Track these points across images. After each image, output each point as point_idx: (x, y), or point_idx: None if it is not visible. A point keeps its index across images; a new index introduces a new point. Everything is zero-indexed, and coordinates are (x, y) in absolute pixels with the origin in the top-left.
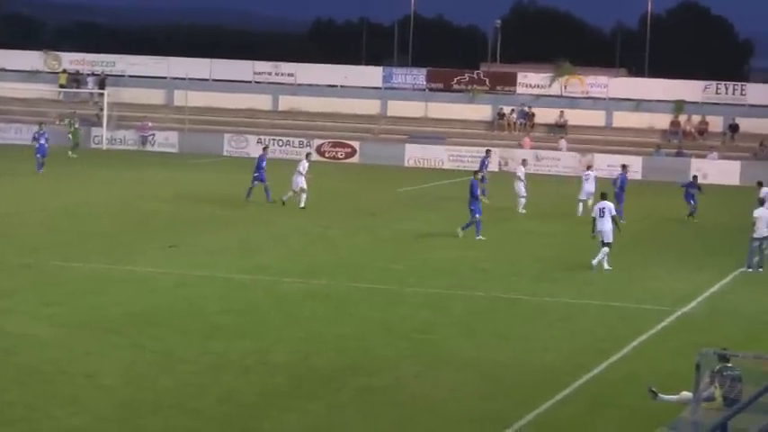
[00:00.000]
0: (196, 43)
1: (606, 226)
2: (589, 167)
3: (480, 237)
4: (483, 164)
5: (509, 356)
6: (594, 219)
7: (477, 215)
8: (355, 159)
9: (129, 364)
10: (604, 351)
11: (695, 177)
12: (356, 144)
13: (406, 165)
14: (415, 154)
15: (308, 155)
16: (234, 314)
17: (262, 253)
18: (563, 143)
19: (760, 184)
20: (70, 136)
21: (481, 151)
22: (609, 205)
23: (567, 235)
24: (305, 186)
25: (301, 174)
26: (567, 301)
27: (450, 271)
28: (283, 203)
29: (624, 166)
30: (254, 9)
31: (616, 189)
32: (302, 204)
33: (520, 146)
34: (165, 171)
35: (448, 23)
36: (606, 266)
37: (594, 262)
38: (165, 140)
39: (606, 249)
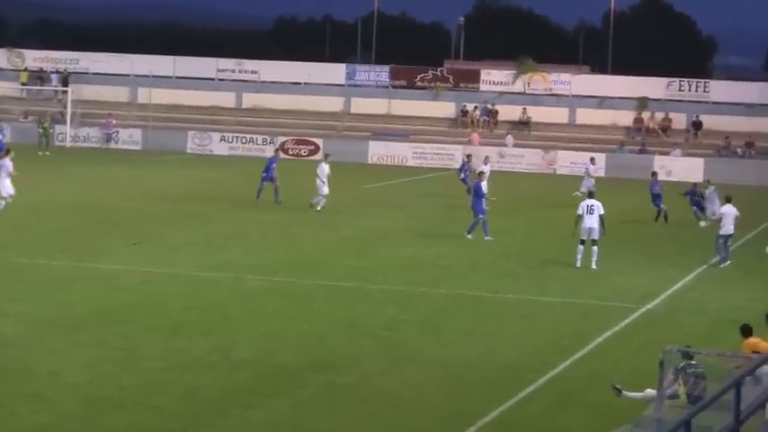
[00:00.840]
0: (159, 40)
1: (595, 223)
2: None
3: (489, 237)
4: (463, 168)
5: (473, 354)
6: (580, 216)
7: (481, 215)
8: (319, 156)
9: (94, 362)
10: (568, 348)
11: (695, 185)
12: (320, 141)
13: (369, 162)
14: (378, 151)
15: (326, 156)
16: (198, 311)
17: (225, 250)
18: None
19: (708, 182)
20: (41, 133)
21: (446, 148)
22: (597, 203)
23: (527, 231)
24: (326, 192)
25: (323, 181)
26: (530, 297)
27: (414, 268)
28: (311, 206)
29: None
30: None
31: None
32: (319, 207)
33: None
34: (129, 168)
35: (411, 20)
36: (594, 267)
37: (594, 267)
38: (129, 138)
39: (596, 248)
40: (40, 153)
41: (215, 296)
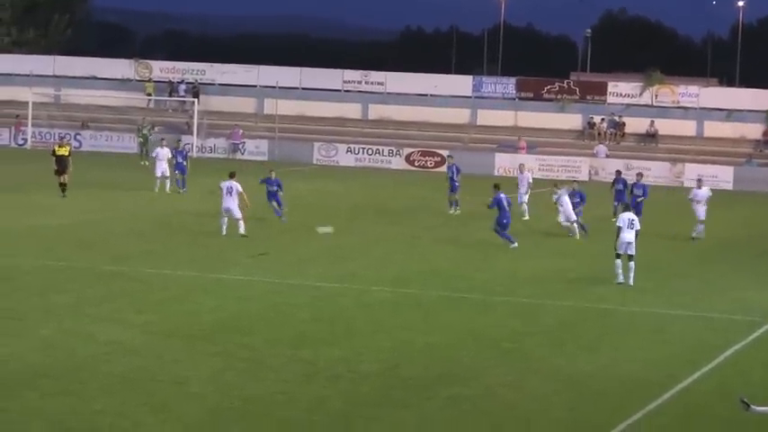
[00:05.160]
0: (286, 52)
1: (633, 238)
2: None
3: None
4: (619, 181)
5: (599, 367)
6: (620, 229)
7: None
8: (445, 168)
9: (219, 372)
10: (694, 361)
11: None
12: (446, 153)
13: (495, 174)
14: (504, 163)
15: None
16: (323, 322)
17: (351, 261)
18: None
19: None
20: (141, 141)
21: (573, 161)
22: (635, 217)
23: (654, 244)
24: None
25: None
26: (656, 311)
27: (538, 280)
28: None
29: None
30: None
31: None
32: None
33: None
34: (256, 179)
35: (537, 32)
36: (621, 280)
37: (631, 282)
38: (256, 149)
39: (633, 264)
40: (142, 163)
41: (340, 307)
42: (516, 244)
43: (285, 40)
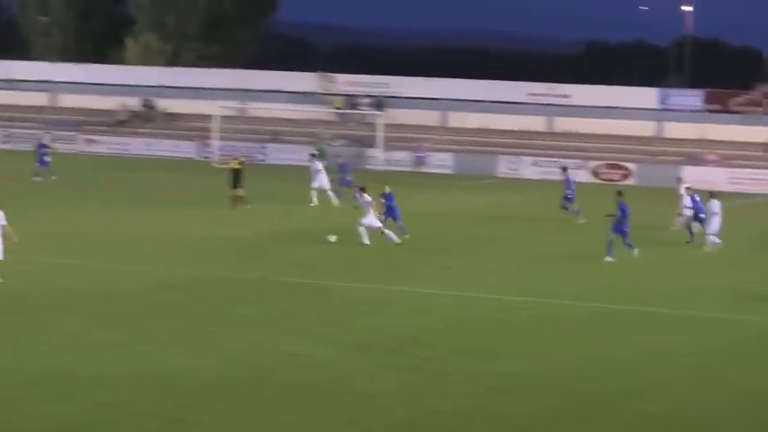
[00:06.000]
0: (469, 64)
1: None
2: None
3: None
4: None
5: None
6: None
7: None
8: (630, 181)
9: (406, 385)
10: None
11: None
12: (632, 166)
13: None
14: (692, 176)
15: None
16: (507, 336)
17: (536, 274)
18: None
19: None
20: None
21: (762, 173)
22: None
23: None
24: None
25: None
26: None
27: (725, 294)
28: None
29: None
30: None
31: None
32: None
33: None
34: (440, 192)
35: (723, 44)
36: None
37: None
38: (441, 162)
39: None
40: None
41: (524, 321)
42: (636, 251)
43: (468, 52)
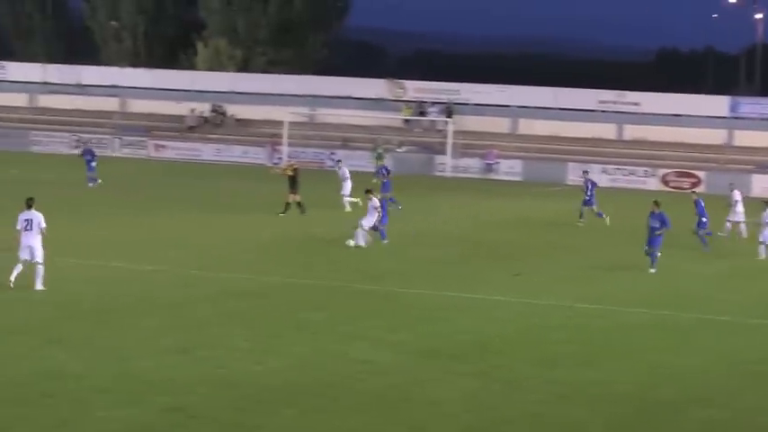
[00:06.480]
0: (539, 71)
1: None
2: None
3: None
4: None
5: None
6: None
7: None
8: (700, 189)
9: (473, 392)
10: None
11: None
12: (701, 174)
13: (752, 195)
14: (762, 184)
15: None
16: (578, 343)
17: (603, 282)
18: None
19: None
20: (377, 159)
21: None
22: None
23: None
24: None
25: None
26: None
27: None
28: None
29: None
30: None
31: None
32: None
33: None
34: (510, 199)
35: None
36: None
37: None
38: (510, 169)
39: None
40: (374, 180)
41: (595, 329)
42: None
43: (538, 59)
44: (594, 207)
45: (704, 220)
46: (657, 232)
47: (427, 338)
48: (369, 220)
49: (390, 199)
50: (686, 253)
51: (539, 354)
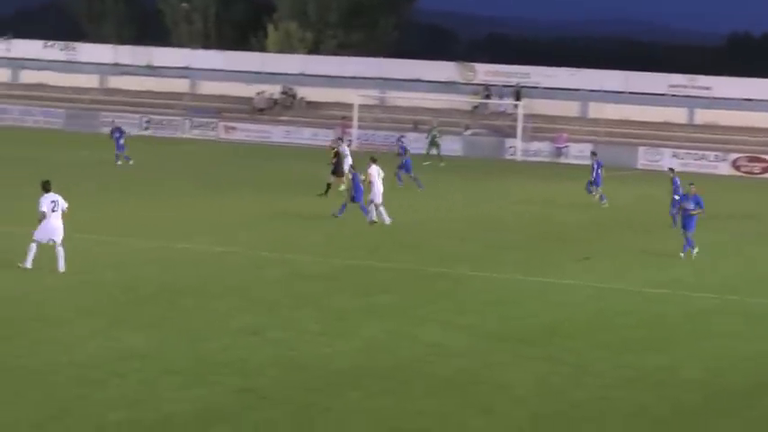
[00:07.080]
0: (610, 55)
1: None
2: None
3: None
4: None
5: None
6: None
7: None
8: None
9: (543, 376)
10: None
11: None
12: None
13: None
14: None
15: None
16: (646, 328)
17: (674, 267)
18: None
19: None
20: (432, 141)
21: None
22: None
23: None
24: None
25: None
26: None
27: None
28: None
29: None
30: (667, 21)
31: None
32: None
33: None
34: (579, 183)
35: None
36: None
37: None
38: (580, 153)
39: None
40: (442, 164)
41: (664, 314)
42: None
43: (608, 43)
44: (599, 188)
45: (676, 198)
46: (693, 212)
47: (497, 322)
48: (374, 195)
49: (414, 178)
50: (751, 238)
51: (607, 338)
